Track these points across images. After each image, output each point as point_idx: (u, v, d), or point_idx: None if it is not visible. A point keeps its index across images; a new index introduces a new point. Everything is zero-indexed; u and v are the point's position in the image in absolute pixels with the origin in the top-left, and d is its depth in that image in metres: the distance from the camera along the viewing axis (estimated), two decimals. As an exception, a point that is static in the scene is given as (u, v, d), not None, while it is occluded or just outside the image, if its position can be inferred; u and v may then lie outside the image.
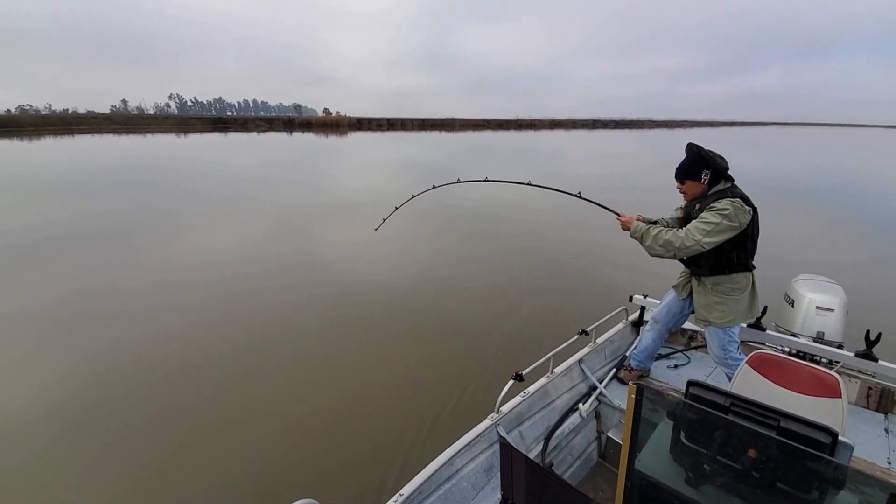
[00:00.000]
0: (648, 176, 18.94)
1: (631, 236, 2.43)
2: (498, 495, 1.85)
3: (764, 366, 1.87)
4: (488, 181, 3.36)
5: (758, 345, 2.85)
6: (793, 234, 9.02)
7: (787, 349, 2.72)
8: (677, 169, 2.40)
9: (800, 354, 2.65)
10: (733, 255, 2.30)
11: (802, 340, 2.71)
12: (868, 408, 2.63)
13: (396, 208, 3.73)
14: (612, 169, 22.02)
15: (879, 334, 2.46)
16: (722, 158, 2.31)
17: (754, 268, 2.41)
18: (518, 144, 43.95)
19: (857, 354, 2.48)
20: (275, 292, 6.08)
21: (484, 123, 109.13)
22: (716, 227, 2.14)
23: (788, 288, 3.05)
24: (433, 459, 1.86)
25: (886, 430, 2.43)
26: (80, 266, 7.10)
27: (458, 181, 3.56)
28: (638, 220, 2.48)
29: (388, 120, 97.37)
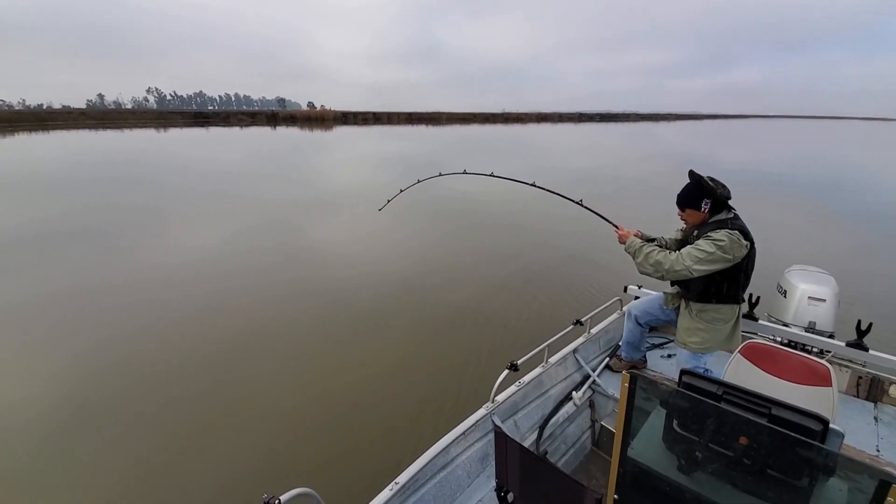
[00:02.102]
0: (635, 169, 19.13)
1: (625, 250, 2.42)
2: (493, 483, 1.85)
3: (756, 355, 1.88)
4: (494, 176, 3.32)
5: (750, 334, 2.88)
6: (785, 226, 9.10)
7: (778, 339, 2.73)
8: (678, 196, 2.37)
9: (791, 344, 2.67)
10: (723, 286, 2.28)
11: (794, 330, 2.72)
12: (858, 396, 2.66)
13: (402, 191, 3.72)
14: (600, 161, 22.17)
15: (870, 324, 2.48)
16: (724, 187, 2.27)
17: (744, 301, 2.40)
18: (508, 137, 44.00)
19: (848, 344, 2.49)
20: (271, 286, 6.00)
21: (471, 117, 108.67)
22: (708, 256, 2.11)
23: (781, 278, 3.07)
24: (429, 448, 1.85)
25: (876, 419, 2.46)
26: (68, 264, 6.88)
27: (465, 172, 3.53)
28: (636, 235, 2.46)
29: (374, 114, 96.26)
